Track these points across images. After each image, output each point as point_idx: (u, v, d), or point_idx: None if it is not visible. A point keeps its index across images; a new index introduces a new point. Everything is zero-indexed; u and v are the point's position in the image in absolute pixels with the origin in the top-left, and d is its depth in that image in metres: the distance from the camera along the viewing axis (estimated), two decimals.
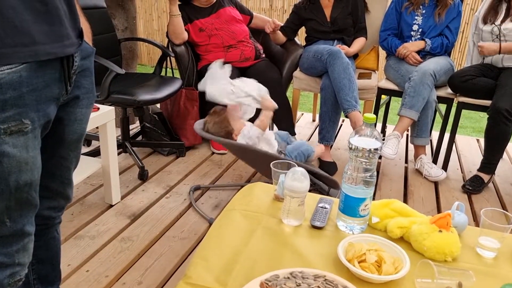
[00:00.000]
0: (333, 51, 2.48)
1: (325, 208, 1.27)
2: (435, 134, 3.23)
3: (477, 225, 2.10)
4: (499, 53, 2.39)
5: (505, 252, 1.11)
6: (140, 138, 2.80)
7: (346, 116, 2.43)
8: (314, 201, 1.32)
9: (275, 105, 2.06)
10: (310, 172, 2.11)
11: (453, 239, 1.06)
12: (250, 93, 2.01)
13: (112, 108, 1.91)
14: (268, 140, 2.10)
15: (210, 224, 1.96)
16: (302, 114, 3.72)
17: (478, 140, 3.31)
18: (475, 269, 1.01)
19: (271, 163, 1.43)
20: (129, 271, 1.62)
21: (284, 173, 1.29)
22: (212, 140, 1.98)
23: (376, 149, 1.12)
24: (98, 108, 1.86)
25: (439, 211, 2.22)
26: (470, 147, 3.17)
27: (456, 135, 2.77)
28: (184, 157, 2.63)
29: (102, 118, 1.86)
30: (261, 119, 2.04)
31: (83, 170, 1.96)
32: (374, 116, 1.12)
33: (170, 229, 1.90)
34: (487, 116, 2.30)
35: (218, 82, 1.93)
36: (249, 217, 1.23)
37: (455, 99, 2.57)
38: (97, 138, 2.48)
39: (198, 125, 2.05)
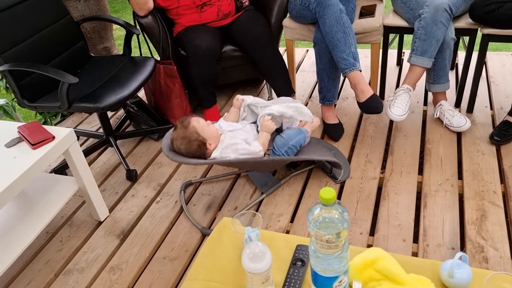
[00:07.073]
0: None
1: (300, 268, 1.08)
2: (460, 56, 2.80)
3: (505, 189, 1.83)
4: None
5: None
6: (128, 122, 2.60)
7: (345, 77, 2.08)
8: (289, 249, 1.14)
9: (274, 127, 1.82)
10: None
11: None
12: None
13: (70, 130, 1.70)
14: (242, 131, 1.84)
15: (202, 234, 1.83)
16: (307, 50, 3.31)
17: None
18: None
19: (232, 219, 1.20)
20: None
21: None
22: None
23: (339, 233, 0.88)
24: (54, 137, 1.66)
25: (460, 176, 1.95)
26: (503, 68, 2.72)
27: (488, 53, 2.38)
28: None
29: (60, 147, 1.66)
30: (263, 142, 1.78)
31: (61, 194, 1.83)
32: (333, 194, 0.86)
33: (161, 246, 1.79)
34: None
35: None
36: None
37: (479, 29, 2.11)
38: None
39: (166, 145, 1.78)
